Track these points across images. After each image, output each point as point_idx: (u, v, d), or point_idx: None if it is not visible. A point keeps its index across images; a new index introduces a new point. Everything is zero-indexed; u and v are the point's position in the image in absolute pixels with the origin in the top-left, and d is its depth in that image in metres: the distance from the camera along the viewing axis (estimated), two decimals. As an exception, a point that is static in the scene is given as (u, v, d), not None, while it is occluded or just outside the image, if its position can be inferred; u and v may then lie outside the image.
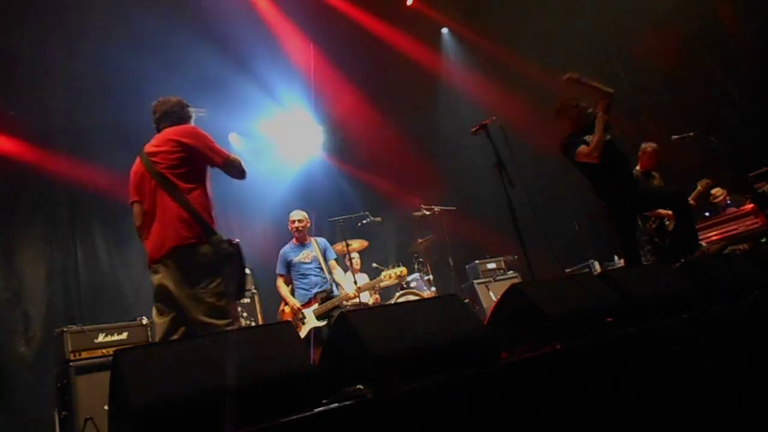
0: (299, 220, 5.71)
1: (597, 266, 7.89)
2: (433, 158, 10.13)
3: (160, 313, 3.11)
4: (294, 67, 8.83)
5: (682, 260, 3.88)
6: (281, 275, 5.74)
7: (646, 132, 7.88)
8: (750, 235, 6.51)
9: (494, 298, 7.15)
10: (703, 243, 6.85)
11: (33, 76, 6.99)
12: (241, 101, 8.56)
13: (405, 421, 1.72)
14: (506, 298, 2.70)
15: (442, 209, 7.38)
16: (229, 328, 2.94)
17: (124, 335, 5.37)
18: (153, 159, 3.17)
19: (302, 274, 5.58)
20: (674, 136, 5.90)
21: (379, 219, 7.14)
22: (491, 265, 7.90)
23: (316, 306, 5.38)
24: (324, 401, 1.85)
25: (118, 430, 1.75)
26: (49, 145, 7.16)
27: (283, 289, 5.70)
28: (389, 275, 5.63)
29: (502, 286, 7.09)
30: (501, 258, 8.09)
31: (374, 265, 7.67)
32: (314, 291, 5.46)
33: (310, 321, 5.29)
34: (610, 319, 2.48)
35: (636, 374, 2.20)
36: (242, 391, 1.74)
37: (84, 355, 5.12)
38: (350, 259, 6.74)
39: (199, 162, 3.23)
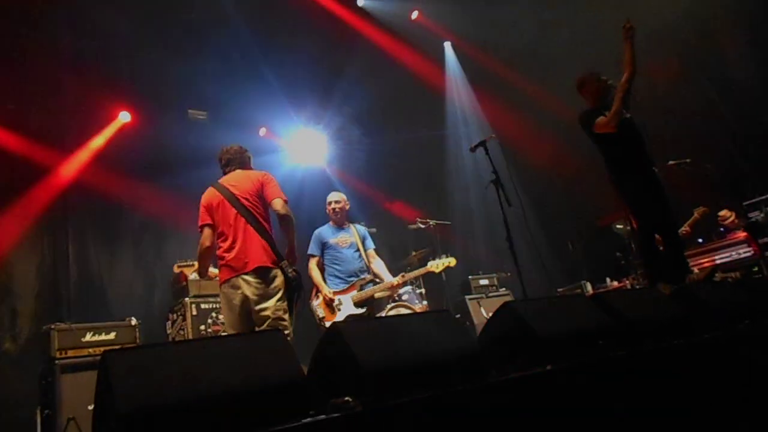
0: (336, 201, 5.35)
1: (589, 287, 7.90)
2: (431, 172, 10.16)
3: (233, 312, 3.85)
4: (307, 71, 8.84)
5: (674, 286, 3.88)
6: (315, 256, 5.22)
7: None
8: (742, 263, 6.55)
9: (485, 315, 7.14)
10: (695, 269, 6.89)
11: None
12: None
13: (392, 436, 1.71)
14: (498, 316, 2.70)
15: (437, 223, 7.37)
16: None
17: (113, 335, 5.33)
18: (235, 193, 3.96)
19: (338, 259, 5.17)
20: (670, 162, 5.92)
21: (374, 229, 7.12)
22: (484, 282, 7.90)
23: (354, 293, 4.98)
24: (311, 412, 1.83)
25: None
26: (45, 140, 7.13)
27: (317, 273, 5.17)
28: (437, 265, 5.23)
29: (494, 303, 7.09)
30: (494, 275, 8.10)
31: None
32: (352, 279, 5.11)
33: (347, 308, 4.91)
34: (601, 342, 2.48)
35: (626, 398, 2.20)
36: (229, 399, 1.73)
37: (70, 353, 5.08)
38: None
39: (268, 201, 4.02)
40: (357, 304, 4.96)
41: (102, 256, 7.43)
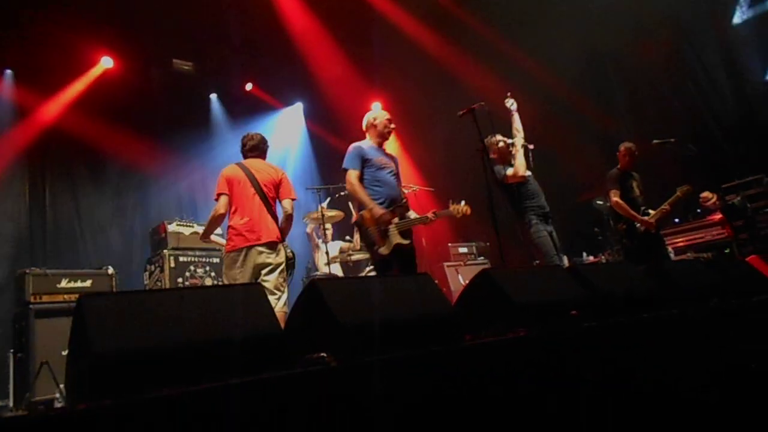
0: (389, 118, 4.72)
1: (566, 260, 8.01)
2: (417, 138, 10.10)
3: (243, 275, 4.33)
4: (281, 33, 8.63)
5: (648, 263, 3.96)
6: (356, 170, 4.44)
7: (628, 133, 7.99)
8: (715, 244, 6.71)
9: (462, 282, 7.23)
10: (669, 248, 7.04)
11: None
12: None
13: (365, 392, 1.73)
14: (476, 282, 2.73)
15: (420, 189, 7.38)
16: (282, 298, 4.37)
17: (88, 282, 5.31)
18: (257, 177, 4.51)
19: (379, 180, 4.45)
20: (655, 141, 5.97)
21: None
22: (463, 249, 7.99)
23: (396, 220, 4.35)
24: (286, 366, 1.85)
25: (75, 375, 1.73)
26: (24, 81, 6.94)
27: (361, 189, 4.41)
28: (457, 210, 4.75)
29: (472, 271, 7.18)
30: (473, 243, 8.18)
31: (347, 238, 7.67)
32: (392, 206, 4.40)
33: (394, 236, 4.28)
34: (574, 312, 2.53)
35: (595, 366, 2.26)
36: (204, 347, 1.74)
37: (45, 299, 5.06)
38: (324, 229, 6.72)
39: (280, 198, 4.65)
40: (402, 234, 4.33)
41: (80, 203, 7.34)
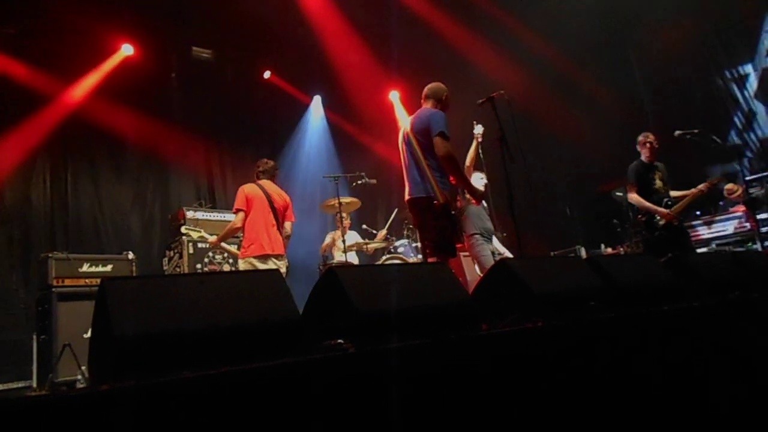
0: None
1: (583, 252, 7.96)
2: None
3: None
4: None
5: (669, 255, 3.91)
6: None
7: (649, 122, 7.88)
8: (738, 236, 6.60)
9: (479, 272, 7.20)
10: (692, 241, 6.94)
11: None
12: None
13: (382, 378, 1.74)
14: (494, 272, 2.72)
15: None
16: None
17: (109, 267, 5.39)
18: (272, 198, 5.20)
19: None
20: (677, 132, 5.86)
21: (374, 181, 7.12)
22: (480, 240, 7.92)
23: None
24: (304, 351, 1.87)
25: (98, 358, 1.76)
26: (47, 68, 7.01)
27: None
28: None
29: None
30: (491, 233, 8.12)
31: (364, 226, 7.69)
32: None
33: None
34: (593, 303, 2.51)
35: (613, 359, 2.25)
36: (224, 332, 1.76)
37: (67, 282, 5.14)
38: (341, 218, 6.73)
39: (285, 219, 5.37)
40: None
41: (101, 190, 7.42)
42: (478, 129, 4.98)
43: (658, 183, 5.72)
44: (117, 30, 7.53)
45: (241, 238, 5.20)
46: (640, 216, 5.81)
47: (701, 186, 5.54)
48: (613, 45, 8.77)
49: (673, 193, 5.72)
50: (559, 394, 2.03)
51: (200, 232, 5.48)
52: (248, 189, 5.17)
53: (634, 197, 5.73)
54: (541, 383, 2.02)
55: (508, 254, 5.74)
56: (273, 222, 5.12)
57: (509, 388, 1.94)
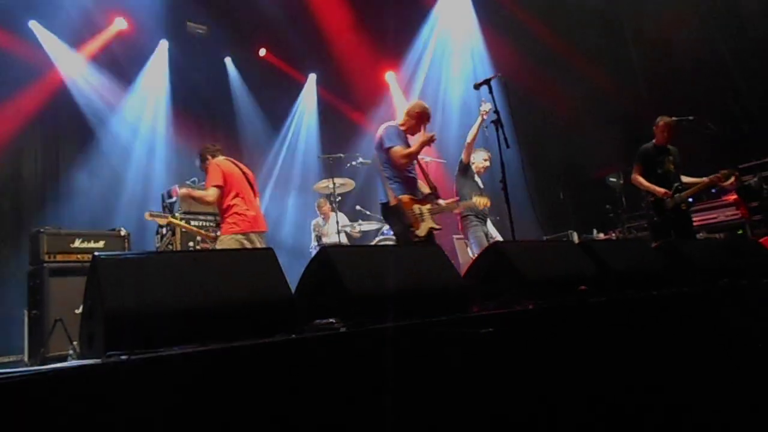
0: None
1: (575, 237, 7.99)
2: (433, 109, 10.01)
3: None
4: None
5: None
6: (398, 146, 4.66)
7: (646, 109, 7.86)
8: (728, 225, 6.64)
9: (471, 255, 7.23)
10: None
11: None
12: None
13: (373, 357, 1.75)
14: (486, 255, 2.73)
15: (433, 161, 7.34)
16: None
17: (101, 243, 5.35)
18: (246, 172, 5.03)
19: (412, 175, 4.78)
20: (673, 118, 5.85)
21: (369, 161, 7.10)
22: (473, 223, 7.95)
23: (429, 206, 4.66)
24: (297, 330, 1.88)
25: (89, 332, 1.76)
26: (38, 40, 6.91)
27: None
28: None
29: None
30: (484, 217, 8.13)
31: (357, 207, 7.68)
32: (418, 192, 4.77)
33: (429, 221, 4.57)
34: (583, 287, 2.53)
35: (602, 342, 2.27)
36: (216, 309, 1.76)
37: (59, 257, 5.11)
38: (335, 198, 6.73)
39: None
40: (434, 218, 4.65)
41: (93, 164, 7.36)
42: (485, 106, 4.90)
43: (670, 166, 5.71)
44: (109, 3, 7.42)
45: (219, 218, 4.98)
46: (650, 198, 5.81)
47: (714, 176, 5.54)
48: (610, 27, 8.70)
49: (685, 179, 5.73)
50: (549, 376, 2.06)
51: (167, 217, 5.21)
52: (225, 163, 4.95)
53: (636, 178, 5.76)
54: (531, 365, 2.05)
55: (500, 238, 5.73)
56: (252, 196, 4.98)
57: (497, 369, 1.96)
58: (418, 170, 4.94)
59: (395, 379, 1.72)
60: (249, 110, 9.02)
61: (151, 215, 5.10)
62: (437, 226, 4.60)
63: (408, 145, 4.74)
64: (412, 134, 4.88)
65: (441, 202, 4.83)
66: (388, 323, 1.89)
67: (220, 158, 5.00)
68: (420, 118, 4.82)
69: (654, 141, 5.81)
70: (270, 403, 1.51)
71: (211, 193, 4.79)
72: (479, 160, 5.65)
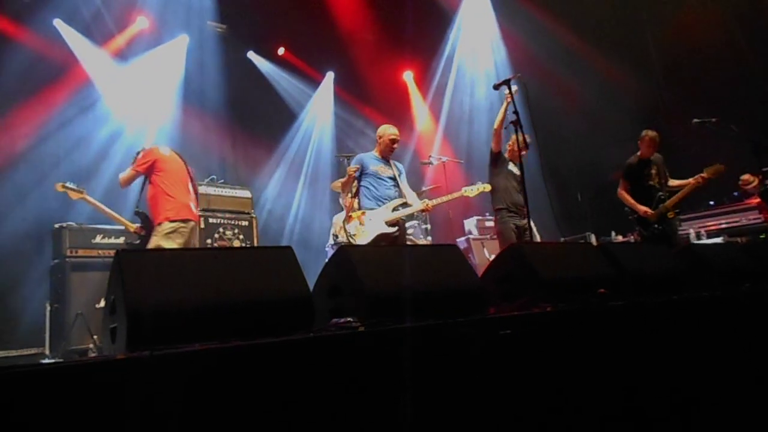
0: (397, 136, 5.33)
1: (593, 239, 7.93)
2: (450, 109, 10.00)
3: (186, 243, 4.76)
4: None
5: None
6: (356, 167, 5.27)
7: (665, 110, 7.77)
8: (750, 228, 6.54)
9: (488, 256, 7.21)
10: (702, 231, 6.89)
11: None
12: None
13: (390, 357, 1.76)
14: (504, 256, 2.73)
15: (450, 160, 7.33)
16: None
17: (121, 239, 5.43)
18: (186, 163, 4.99)
19: (374, 185, 5.18)
20: (695, 120, 5.76)
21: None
22: (489, 224, 7.91)
23: (387, 212, 5.06)
24: (314, 329, 1.89)
25: (111, 327, 1.79)
26: (62, 38, 7.02)
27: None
28: (471, 190, 5.19)
29: (498, 246, 7.13)
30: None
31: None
32: (385, 201, 5.13)
33: (378, 224, 4.99)
34: (602, 290, 2.51)
35: (620, 346, 2.25)
36: (236, 306, 1.78)
37: (81, 252, 5.21)
38: (353, 196, 6.72)
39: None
40: (388, 223, 5.02)
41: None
42: (513, 88, 4.68)
43: (655, 179, 5.70)
44: (132, 2, 7.51)
45: (150, 210, 4.76)
46: (633, 214, 5.81)
47: (698, 177, 5.46)
48: (629, 25, 8.61)
49: (673, 182, 5.68)
50: (566, 379, 2.05)
51: (81, 192, 4.86)
52: (163, 151, 4.85)
53: (621, 194, 5.85)
54: (547, 368, 2.04)
55: (537, 235, 5.57)
56: (190, 186, 4.92)
57: (513, 372, 1.96)
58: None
59: (413, 379, 1.72)
60: (266, 107, 9.06)
61: (63, 187, 4.75)
62: (389, 231, 5.01)
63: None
64: (385, 156, 5.30)
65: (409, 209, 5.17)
66: (406, 323, 1.89)
67: (163, 146, 4.94)
68: (385, 143, 5.26)
69: (639, 154, 5.82)
70: (289, 401, 1.52)
71: (130, 179, 4.78)
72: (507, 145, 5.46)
